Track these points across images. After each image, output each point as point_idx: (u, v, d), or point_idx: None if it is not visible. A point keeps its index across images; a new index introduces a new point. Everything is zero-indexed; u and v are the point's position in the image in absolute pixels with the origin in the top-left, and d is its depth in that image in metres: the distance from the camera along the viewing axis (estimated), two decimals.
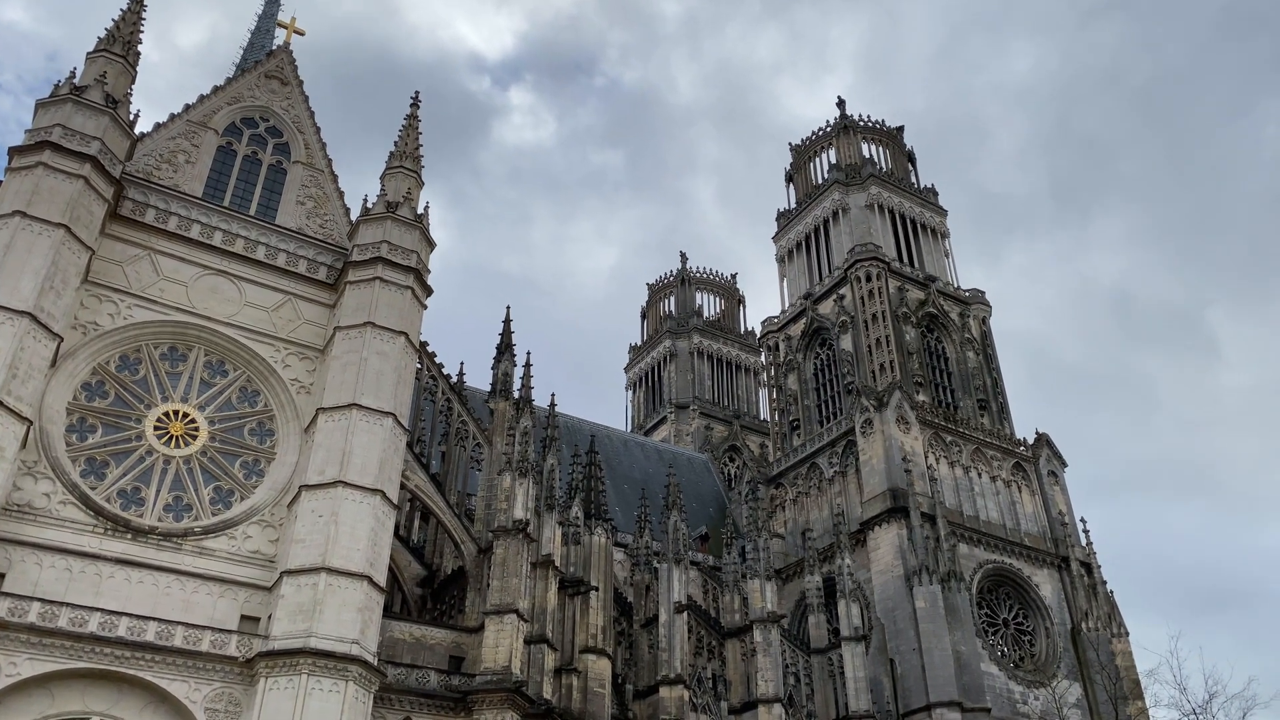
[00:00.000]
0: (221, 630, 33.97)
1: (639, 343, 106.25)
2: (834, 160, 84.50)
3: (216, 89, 45.89)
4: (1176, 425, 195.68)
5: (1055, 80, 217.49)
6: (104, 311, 38.47)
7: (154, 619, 33.10)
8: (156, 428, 37.66)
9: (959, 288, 78.46)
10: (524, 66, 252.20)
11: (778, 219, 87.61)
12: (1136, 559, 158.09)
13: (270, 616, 34.50)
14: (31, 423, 34.12)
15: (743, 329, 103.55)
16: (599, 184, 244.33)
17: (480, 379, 53.36)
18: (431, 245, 44.59)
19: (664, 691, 45.65)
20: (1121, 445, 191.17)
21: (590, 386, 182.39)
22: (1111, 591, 65.08)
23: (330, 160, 46.64)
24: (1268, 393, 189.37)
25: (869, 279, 73.00)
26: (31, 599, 31.79)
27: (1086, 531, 67.41)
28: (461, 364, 51.75)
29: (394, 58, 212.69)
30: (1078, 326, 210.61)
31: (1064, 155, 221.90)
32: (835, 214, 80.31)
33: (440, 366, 47.49)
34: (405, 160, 46.12)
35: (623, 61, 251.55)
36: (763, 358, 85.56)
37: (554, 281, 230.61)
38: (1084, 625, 62.69)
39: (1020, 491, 68.05)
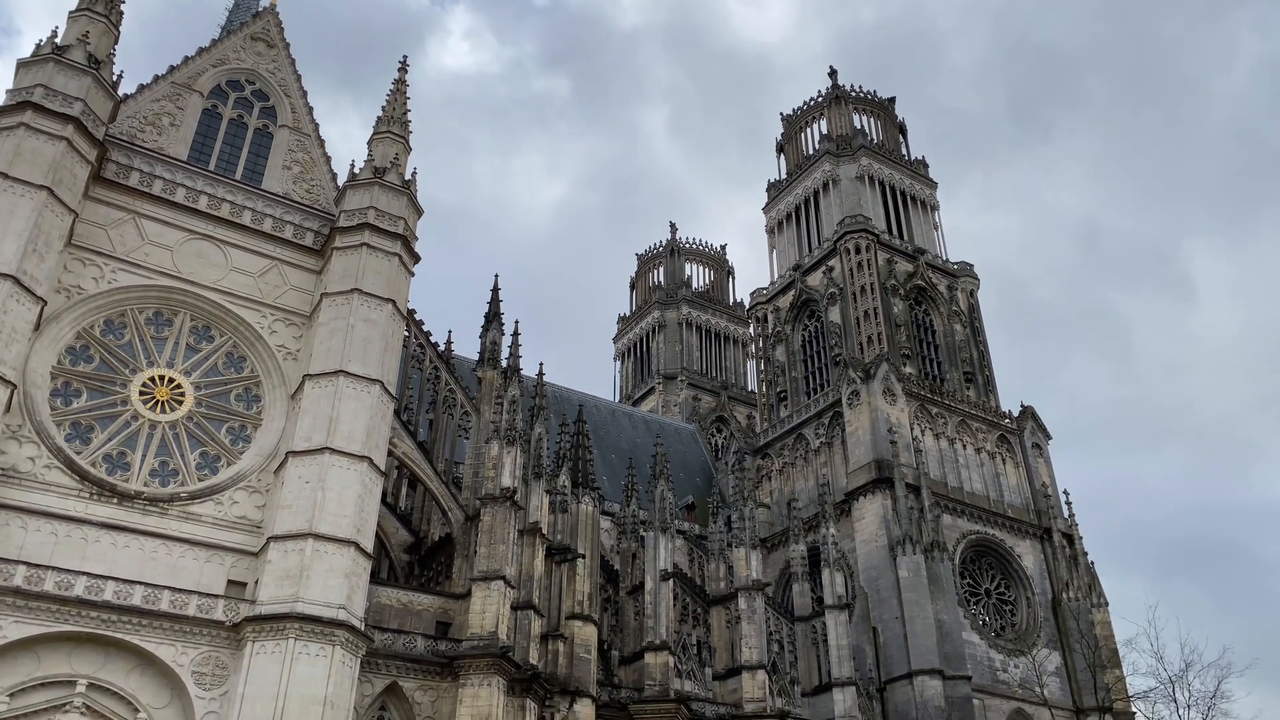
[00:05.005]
0: (208, 595, 34.05)
1: (628, 313, 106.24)
2: (825, 131, 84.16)
3: (201, 50, 45.18)
4: (1152, 368, 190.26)
5: None
6: (88, 275, 38.10)
7: (141, 583, 33.13)
8: (142, 393, 37.47)
9: (948, 260, 78.59)
10: None
11: (768, 190, 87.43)
12: (1108, 508, 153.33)
13: (257, 582, 34.56)
14: (15, 386, 33.92)
15: (731, 300, 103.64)
16: (543, 112, 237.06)
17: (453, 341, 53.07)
18: (419, 211, 44.27)
19: (649, 657, 46.15)
20: (1093, 389, 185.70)
21: (542, 331, 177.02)
22: (1093, 563, 65.99)
23: (317, 125, 46.17)
24: (1247, 334, 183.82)
25: (858, 251, 73.02)
26: (17, 562, 31.76)
27: (1069, 503, 68.20)
28: (449, 332, 51.55)
29: None
30: (1044, 261, 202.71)
31: (1024, 70, 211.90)
32: (825, 185, 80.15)
33: (428, 335, 47.38)
34: (393, 125, 45.66)
35: None
36: (751, 329, 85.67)
37: (495, 215, 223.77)
38: (1065, 595, 63.52)
39: (1004, 463, 68.63)
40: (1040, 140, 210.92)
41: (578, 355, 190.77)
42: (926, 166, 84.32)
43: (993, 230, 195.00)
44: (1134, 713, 50.03)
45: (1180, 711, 40.84)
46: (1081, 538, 66.69)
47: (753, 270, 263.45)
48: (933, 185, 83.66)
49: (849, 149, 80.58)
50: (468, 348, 54.56)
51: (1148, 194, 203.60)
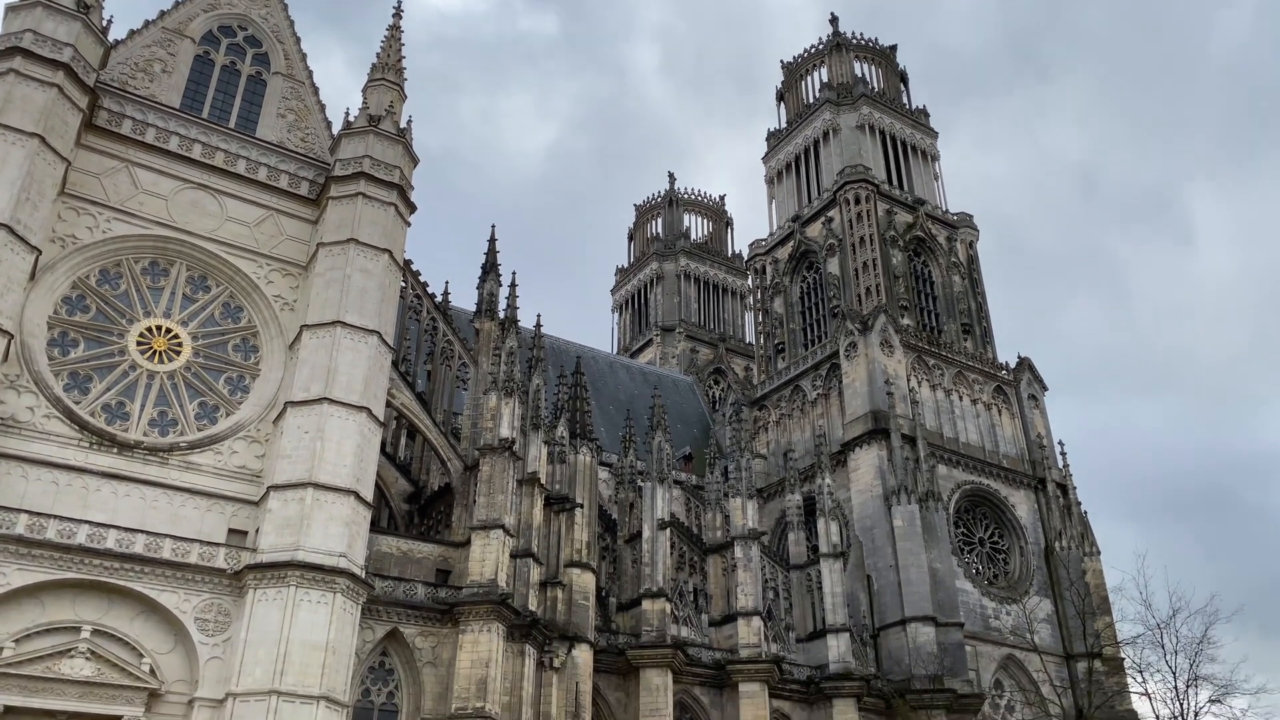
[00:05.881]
0: (210, 543, 34.38)
1: (625, 264, 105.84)
2: (825, 79, 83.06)
3: None
4: (1150, 313, 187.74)
5: None
6: (82, 224, 37.86)
7: (142, 531, 33.43)
8: (139, 343, 37.46)
9: (947, 211, 78.13)
10: None
11: (767, 139, 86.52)
12: (1102, 455, 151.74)
13: (258, 530, 34.90)
14: (12, 336, 33.91)
15: (730, 251, 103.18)
16: (531, 52, 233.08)
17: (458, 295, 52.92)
18: (415, 160, 43.85)
19: (646, 604, 46.77)
20: (1090, 335, 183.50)
21: (537, 278, 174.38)
22: (1085, 512, 66.60)
23: (311, 72, 45.56)
24: (1246, 278, 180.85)
25: (858, 201, 72.53)
26: (19, 511, 32.02)
27: (1064, 454, 68.66)
28: (446, 283, 51.51)
29: None
30: (1042, 205, 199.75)
31: (1022, 5, 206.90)
32: (826, 134, 79.33)
33: (425, 285, 47.29)
34: (388, 73, 45.09)
35: None
36: (749, 281, 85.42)
37: (485, 158, 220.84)
38: (1057, 544, 64.24)
39: (1000, 414, 68.93)
40: (1038, 79, 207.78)
41: (575, 305, 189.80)
42: (927, 116, 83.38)
43: (990, 173, 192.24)
44: (1123, 658, 50.74)
45: (1168, 657, 41.52)
46: (1075, 488, 67.29)
47: (748, 217, 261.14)
48: (933, 135, 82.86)
49: (849, 98, 79.61)
50: (463, 296, 54.56)
51: (1147, 134, 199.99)
